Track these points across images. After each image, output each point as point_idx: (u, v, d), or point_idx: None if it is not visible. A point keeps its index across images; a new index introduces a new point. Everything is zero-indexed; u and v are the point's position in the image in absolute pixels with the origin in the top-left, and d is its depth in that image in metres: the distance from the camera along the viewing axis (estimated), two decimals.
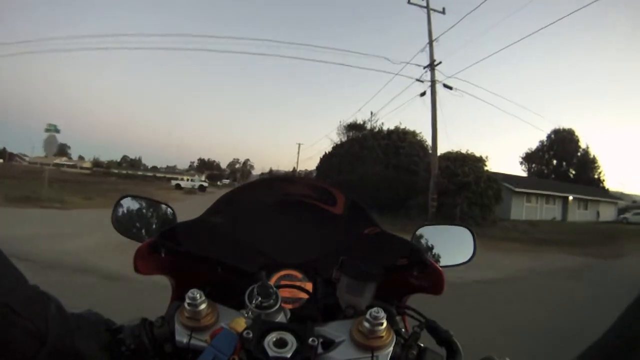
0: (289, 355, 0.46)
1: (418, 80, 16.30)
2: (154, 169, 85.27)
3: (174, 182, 42.25)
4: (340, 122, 28.52)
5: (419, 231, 0.91)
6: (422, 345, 0.53)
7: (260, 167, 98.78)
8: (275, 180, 0.93)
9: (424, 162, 19.14)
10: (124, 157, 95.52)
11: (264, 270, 0.68)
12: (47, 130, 12.79)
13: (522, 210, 24.02)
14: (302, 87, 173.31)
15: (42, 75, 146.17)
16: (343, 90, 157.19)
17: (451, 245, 0.91)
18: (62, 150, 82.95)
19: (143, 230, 0.92)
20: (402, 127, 23.29)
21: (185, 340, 0.49)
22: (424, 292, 0.74)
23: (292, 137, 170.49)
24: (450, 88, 16.13)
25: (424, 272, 0.71)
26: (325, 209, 0.84)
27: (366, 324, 0.47)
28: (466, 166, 16.77)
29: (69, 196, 14.49)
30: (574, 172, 40.62)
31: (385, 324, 0.48)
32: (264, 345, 0.47)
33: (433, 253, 0.88)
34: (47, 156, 13.16)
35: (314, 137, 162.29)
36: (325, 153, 27.87)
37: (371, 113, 24.44)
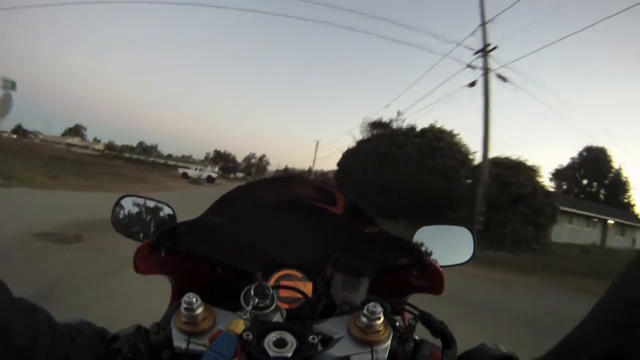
0: (289, 355, 0.46)
1: (469, 66, 13.45)
2: (169, 157, 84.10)
3: (181, 171, 40.15)
4: (364, 118, 25.77)
5: (419, 231, 0.92)
6: (417, 337, 0.53)
7: (276, 164, 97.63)
8: (275, 180, 0.94)
9: (465, 166, 16.15)
10: (140, 143, 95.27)
11: (264, 270, 0.74)
12: (3, 87, 9.67)
13: (564, 232, 20.75)
14: (325, 80, 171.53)
15: (63, 56, 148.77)
16: (368, 84, 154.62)
17: (451, 245, 0.92)
18: (77, 131, 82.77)
19: (143, 231, 0.91)
20: (437, 125, 20.21)
21: (183, 345, 0.48)
22: (424, 292, 0.75)
23: (310, 134, 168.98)
24: (505, 80, 13.31)
25: (424, 272, 0.73)
26: (325, 209, 0.82)
27: (364, 319, 0.48)
28: (521, 175, 13.68)
29: (35, 174, 12.21)
30: (604, 193, 37.05)
31: (382, 319, 0.48)
32: (264, 346, 0.47)
33: (433, 253, 0.88)
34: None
35: (333, 135, 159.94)
36: (349, 148, 25.18)
37: (398, 112, 21.64)
